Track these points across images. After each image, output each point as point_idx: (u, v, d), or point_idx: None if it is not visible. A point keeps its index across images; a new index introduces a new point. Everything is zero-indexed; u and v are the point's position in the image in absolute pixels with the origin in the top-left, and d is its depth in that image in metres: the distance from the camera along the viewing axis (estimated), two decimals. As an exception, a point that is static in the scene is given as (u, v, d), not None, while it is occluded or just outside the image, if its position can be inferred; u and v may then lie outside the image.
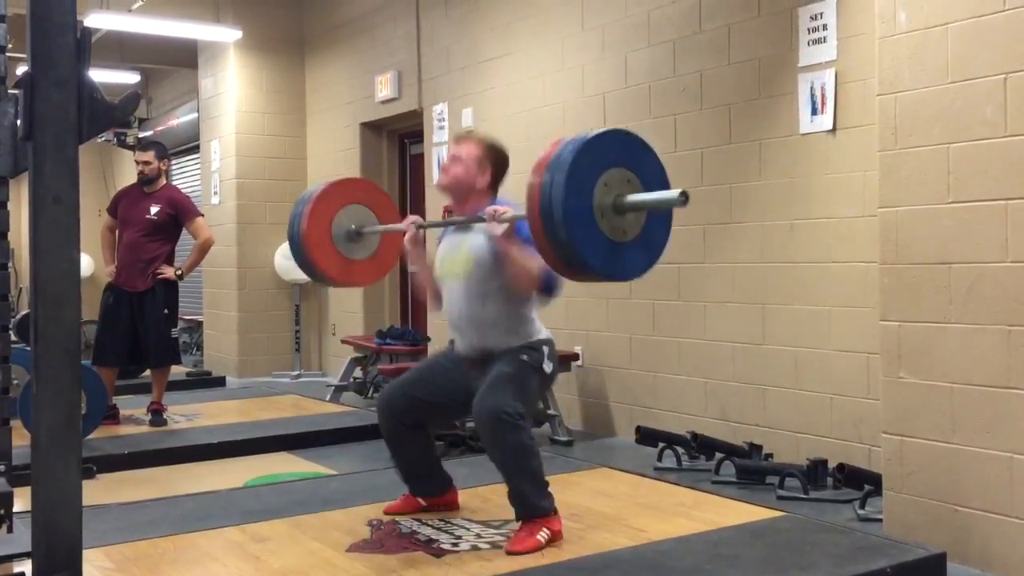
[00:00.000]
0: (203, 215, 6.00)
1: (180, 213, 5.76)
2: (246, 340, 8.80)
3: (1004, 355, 3.09)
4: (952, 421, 3.23)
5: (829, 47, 4.39)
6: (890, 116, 3.41)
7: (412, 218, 3.48)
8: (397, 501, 3.58)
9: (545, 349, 3.28)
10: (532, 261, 3.00)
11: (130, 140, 12.28)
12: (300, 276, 8.68)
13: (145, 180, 5.73)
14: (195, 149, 10.32)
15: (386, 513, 3.53)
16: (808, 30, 4.48)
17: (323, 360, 8.91)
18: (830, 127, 4.39)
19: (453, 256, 3.34)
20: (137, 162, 5.76)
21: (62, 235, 2.19)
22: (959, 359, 3.22)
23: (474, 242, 3.26)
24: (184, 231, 5.85)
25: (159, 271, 5.64)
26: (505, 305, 3.24)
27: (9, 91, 2.89)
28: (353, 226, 3.65)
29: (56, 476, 2.11)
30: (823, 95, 4.42)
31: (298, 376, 8.61)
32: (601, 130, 2.83)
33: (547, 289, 3.19)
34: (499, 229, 3.06)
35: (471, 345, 3.33)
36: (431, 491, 3.56)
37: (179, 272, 5.73)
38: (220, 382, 8.26)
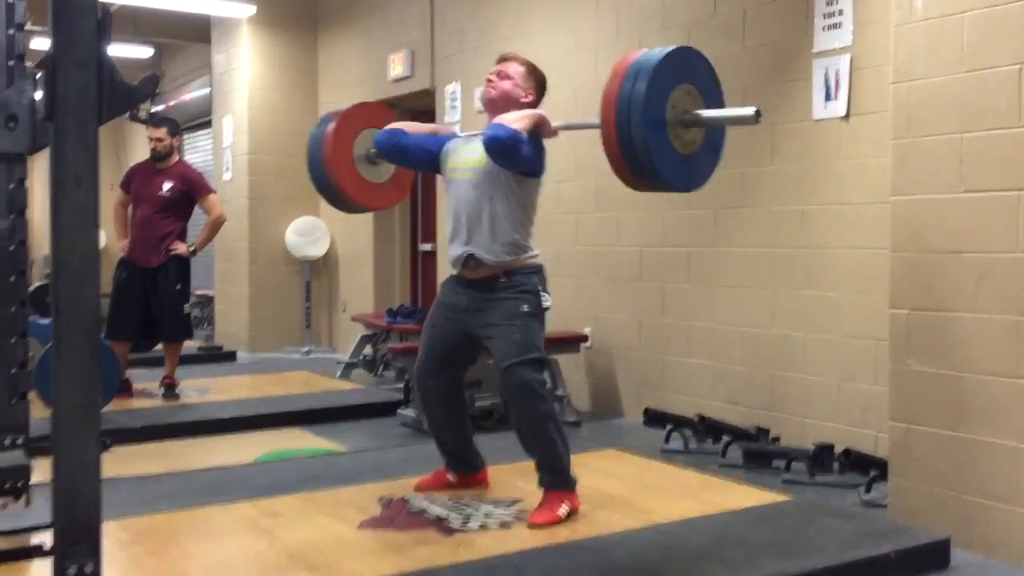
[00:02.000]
0: (216, 191, 6.03)
1: (193, 189, 5.79)
2: (257, 315, 8.85)
3: (1012, 345, 3.11)
4: (959, 409, 3.26)
5: (844, 33, 4.37)
6: (904, 104, 3.41)
7: (439, 126, 3.59)
8: (428, 476, 3.64)
9: (536, 280, 3.36)
10: (518, 124, 3.16)
11: (142, 114, 12.25)
12: (311, 252, 8.77)
13: (158, 156, 5.77)
14: (207, 124, 10.34)
15: (417, 489, 3.57)
16: (824, 15, 4.46)
17: (333, 336, 8.96)
18: (843, 113, 4.39)
19: (465, 155, 3.41)
20: (150, 138, 5.79)
21: (82, 216, 2.22)
22: (967, 348, 3.24)
23: (479, 146, 3.30)
24: (197, 207, 5.89)
25: (172, 247, 5.69)
26: (507, 207, 3.30)
27: (28, 68, 2.93)
28: (371, 149, 3.72)
29: (76, 452, 2.15)
30: (837, 81, 4.41)
31: (308, 352, 8.66)
32: (672, 47, 3.01)
33: (512, 143, 3.14)
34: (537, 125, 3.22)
35: (467, 242, 3.34)
36: (466, 469, 3.63)
37: (192, 248, 5.77)
38: (231, 357, 8.33)
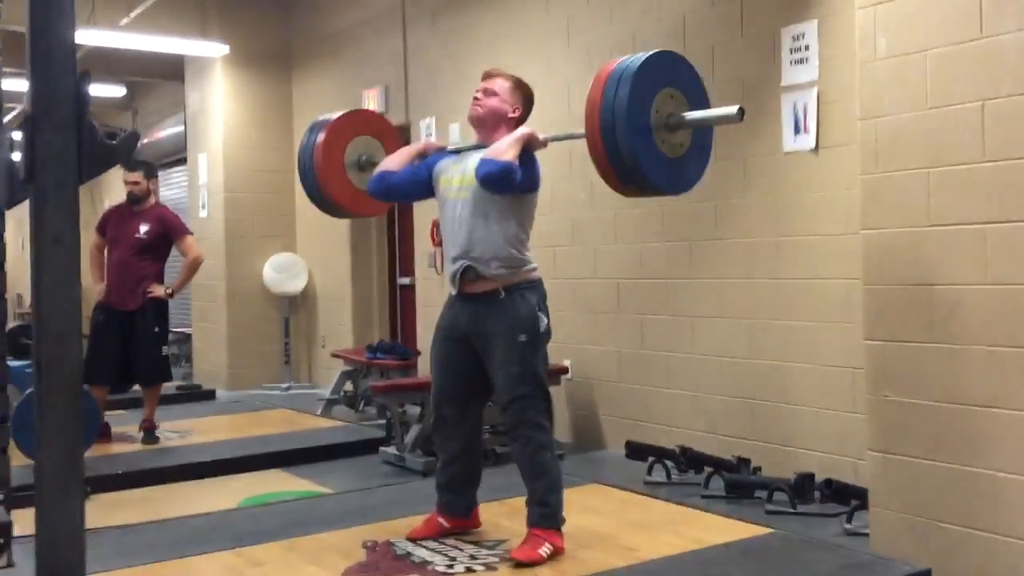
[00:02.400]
0: (192, 233, 6.03)
1: (170, 231, 5.79)
2: (236, 353, 8.82)
3: (986, 375, 3.16)
4: (936, 439, 3.30)
5: (811, 68, 4.46)
6: (871, 140, 3.48)
7: (428, 143, 3.67)
8: (420, 525, 3.57)
9: (535, 300, 3.34)
10: (508, 153, 3.19)
11: (117, 153, 12.26)
12: (289, 288, 8.76)
13: (134, 199, 5.76)
14: (182, 161, 10.33)
15: (409, 537, 3.51)
16: (790, 50, 4.56)
17: (313, 372, 8.93)
18: (813, 146, 4.47)
19: (457, 175, 3.40)
20: (126, 182, 5.78)
21: (63, 276, 2.23)
22: (942, 378, 3.29)
23: (471, 165, 3.32)
24: (174, 249, 5.88)
25: (149, 290, 5.67)
26: (502, 223, 3.30)
27: (4, 121, 2.94)
28: (363, 156, 3.76)
29: (60, 514, 2.14)
30: (806, 115, 4.50)
31: (288, 388, 8.64)
32: (653, 51, 3.05)
33: (505, 176, 3.19)
34: (525, 139, 3.25)
35: (464, 256, 3.32)
36: (461, 512, 3.57)
37: (169, 291, 5.76)
38: (210, 395, 8.28)
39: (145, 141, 11.74)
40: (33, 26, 2.22)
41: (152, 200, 5.85)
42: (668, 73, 3.04)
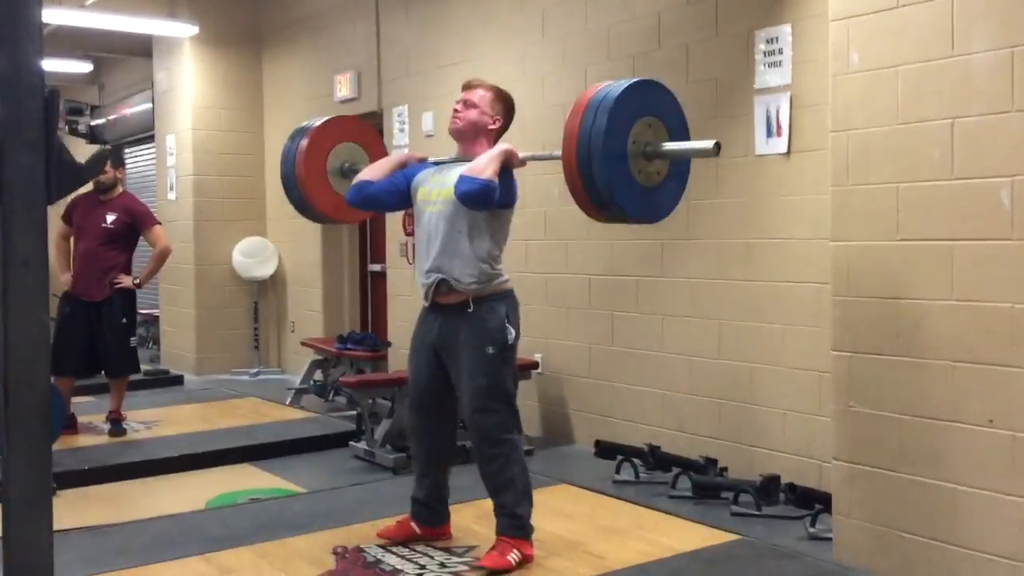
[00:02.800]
0: (161, 223, 5.96)
1: (137, 221, 5.72)
2: (204, 337, 8.75)
3: (949, 390, 3.22)
4: (900, 451, 3.36)
5: (784, 71, 4.48)
6: (842, 153, 3.51)
7: (409, 154, 3.68)
8: (392, 525, 3.60)
9: (503, 311, 3.36)
10: (488, 170, 3.21)
11: (82, 128, 12.09)
12: (259, 273, 8.70)
13: (101, 188, 5.68)
14: (149, 139, 10.19)
15: (379, 536, 3.56)
16: (764, 53, 4.56)
17: (282, 357, 8.89)
18: (785, 150, 4.49)
19: (436, 187, 3.42)
20: (93, 170, 5.69)
21: (32, 298, 2.20)
22: (907, 392, 3.34)
23: (450, 180, 3.34)
24: (141, 239, 5.82)
25: (117, 280, 5.61)
26: (476, 237, 3.32)
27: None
28: (346, 163, 3.76)
29: (29, 541, 2.13)
30: (778, 118, 4.51)
31: (257, 374, 8.59)
32: (634, 79, 3.09)
33: (484, 193, 3.22)
34: (503, 157, 3.27)
35: (437, 269, 3.35)
36: (433, 521, 3.60)
37: (137, 281, 5.70)
38: (178, 381, 8.24)
39: (112, 117, 11.58)
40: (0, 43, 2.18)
41: (119, 189, 5.77)
42: (648, 102, 3.05)
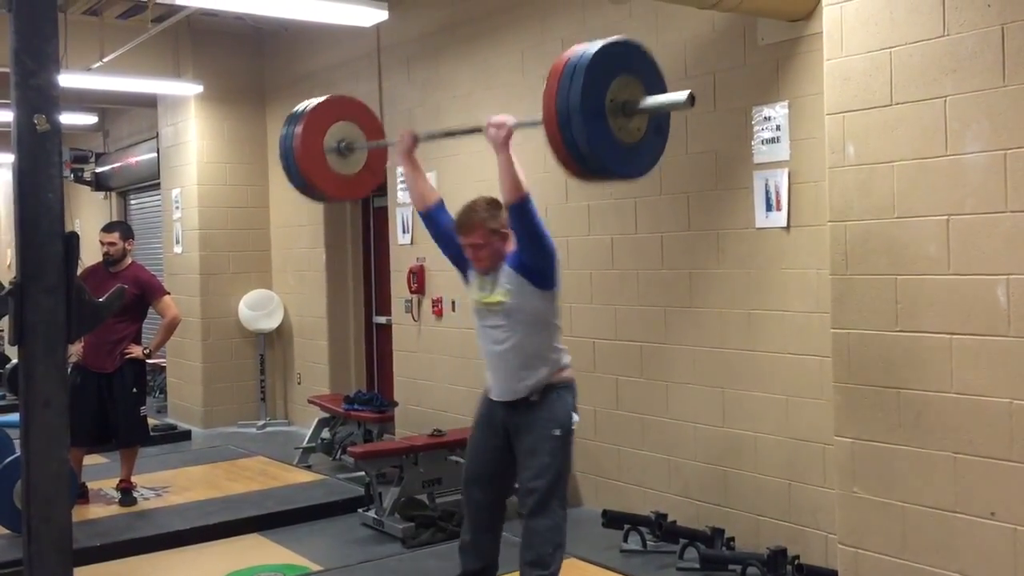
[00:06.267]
0: (169, 293, 6.03)
1: (147, 292, 5.79)
2: (211, 390, 8.81)
3: (950, 480, 3.27)
4: (903, 538, 3.41)
5: (782, 147, 4.54)
6: (840, 243, 3.58)
7: (407, 131, 3.78)
8: None
9: (570, 401, 3.57)
10: (521, 175, 3.33)
11: (87, 175, 12.19)
12: (265, 325, 8.76)
13: (110, 260, 5.75)
14: (154, 187, 10.28)
15: None
16: (762, 129, 4.64)
17: (289, 409, 8.94)
18: (784, 224, 4.55)
19: (484, 291, 3.58)
20: (102, 243, 5.77)
21: (52, 437, 2.28)
22: (909, 480, 3.39)
23: (502, 276, 3.53)
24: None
25: (127, 351, 5.68)
26: (534, 334, 3.51)
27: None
28: (343, 142, 3.84)
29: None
30: (777, 193, 4.58)
31: (263, 426, 8.65)
32: (611, 38, 3.08)
33: (522, 206, 3.36)
34: (501, 134, 3.36)
35: (501, 382, 3.56)
36: None
37: (147, 351, 5.77)
38: (186, 436, 8.29)
39: (118, 166, 11.68)
40: (22, 192, 2.26)
41: (128, 260, 5.85)
42: (623, 61, 3.04)
